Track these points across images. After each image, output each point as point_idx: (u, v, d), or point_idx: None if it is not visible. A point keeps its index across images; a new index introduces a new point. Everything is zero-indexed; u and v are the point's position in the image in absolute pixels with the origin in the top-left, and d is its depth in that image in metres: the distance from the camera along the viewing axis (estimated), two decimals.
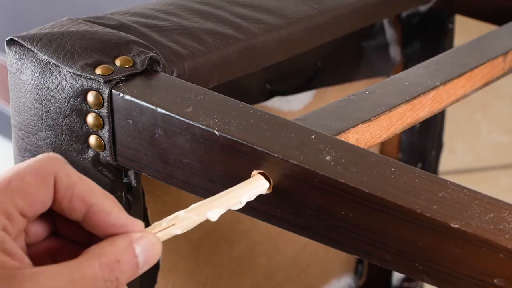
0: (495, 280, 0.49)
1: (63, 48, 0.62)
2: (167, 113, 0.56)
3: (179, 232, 0.51)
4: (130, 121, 0.57)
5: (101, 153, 0.60)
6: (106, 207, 0.50)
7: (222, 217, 0.53)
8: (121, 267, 0.50)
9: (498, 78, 0.76)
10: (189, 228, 0.51)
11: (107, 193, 0.51)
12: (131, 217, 0.51)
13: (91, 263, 0.49)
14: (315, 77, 0.88)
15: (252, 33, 0.71)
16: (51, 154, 0.50)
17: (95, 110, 0.60)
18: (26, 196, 0.49)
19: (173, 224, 0.51)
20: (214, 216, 0.52)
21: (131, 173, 0.63)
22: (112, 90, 0.59)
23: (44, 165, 0.50)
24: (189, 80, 0.64)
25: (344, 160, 0.53)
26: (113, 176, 0.62)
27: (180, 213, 0.51)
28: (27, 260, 0.49)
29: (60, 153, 0.61)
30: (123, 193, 0.63)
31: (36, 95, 0.62)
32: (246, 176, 0.54)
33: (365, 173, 0.52)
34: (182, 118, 0.56)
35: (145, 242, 0.50)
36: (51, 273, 0.48)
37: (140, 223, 0.51)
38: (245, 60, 0.70)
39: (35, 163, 0.50)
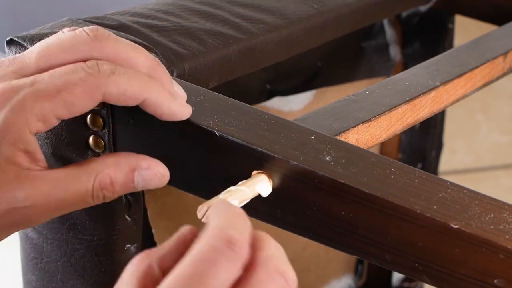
0: (495, 281, 0.49)
1: None
2: None
3: (236, 203, 0.51)
4: (131, 121, 0.57)
5: (101, 154, 0.60)
6: (158, 99, 0.54)
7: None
8: (113, 189, 0.55)
9: (498, 78, 0.76)
10: (245, 201, 0.52)
11: (160, 86, 0.54)
12: (180, 105, 0.55)
13: (87, 179, 0.54)
14: (315, 77, 0.88)
15: (252, 33, 0.71)
16: (101, 66, 0.53)
17: (95, 110, 0.60)
18: (69, 108, 0.53)
19: (230, 195, 0.51)
20: (262, 189, 0.53)
21: None
22: None
23: (96, 81, 0.52)
24: (189, 80, 0.64)
25: (344, 160, 0.53)
26: None
27: (232, 187, 0.52)
28: (43, 163, 0.54)
29: (60, 154, 0.61)
30: None
31: None
32: (246, 176, 0.54)
33: (365, 173, 0.52)
34: None
35: (148, 174, 0.55)
36: (50, 179, 0.53)
37: (187, 112, 0.55)
38: (245, 60, 0.70)
39: (87, 77, 0.52)
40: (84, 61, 0.54)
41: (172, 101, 0.55)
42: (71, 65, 0.53)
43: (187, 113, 0.55)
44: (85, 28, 0.55)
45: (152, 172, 0.55)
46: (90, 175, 0.54)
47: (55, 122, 0.53)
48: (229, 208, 0.45)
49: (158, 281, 0.43)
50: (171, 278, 0.42)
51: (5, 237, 0.55)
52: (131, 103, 0.54)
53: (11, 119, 0.52)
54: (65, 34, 0.55)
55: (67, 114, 0.53)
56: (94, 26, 0.55)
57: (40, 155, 0.54)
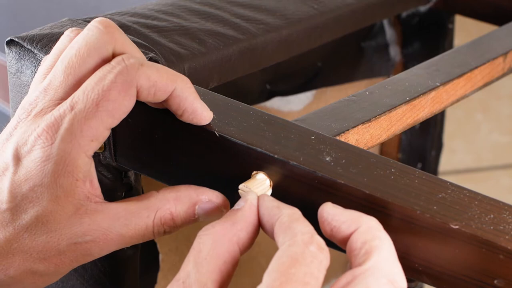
0: (495, 281, 0.49)
1: None
2: (167, 114, 0.56)
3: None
4: (130, 121, 0.57)
5: (101, 154, 0.60)
6: (184, 93, 0.53)
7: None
8: (174, 223, 0.54)
9: (498, 78, 0.76)
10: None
11: (186, 79, 0.54)
12: (203, 105, 0.54)
13: (147, 215, 0.53)
14: (315, 77, 0.88)
15: (252, 33, 0.71)
16: (127, 60, 0.52)
17: None
18: (114, 114, 0.52)
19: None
20: (262, 190, 0.53)
21: (131, 174, 0.63)
22: None
23: (127, 77, 0.52)
24: None
25: (344, 161, 0.53)
26: (113, 176, 0.62)
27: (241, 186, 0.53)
28: (99, 193, 0.54)
29: None
30: (123, 193, 0.63)
31: None
32: (246, 177, 0.54)
33: (365, 174, 0.52)
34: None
35: (209, 207, 0.54)
36: (110, 214, 0.53)
37: (209, 116, 0.54)
38: (245, 61, 0.70)
39: (117, 77, 0.52)
40: (106, 58, 0.54)
41: (197, 98, 0.54)
42: (97, 72, 0.53)
43: (208, 117, 0.54)
44: (93, 23, 0.54)
45: (213, 206, 0.54)
46: (151, 211, 0.54)
47: (107, 134, 0.53)
48: (301, 216, 0.49)
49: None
50: (271, 274, 0.45)
51: (67, 272, 0.55)
52: (160, 96, 0.53)
53: (64, 150, 0.52)
54: (77, 40, 0.54)
55: (114, 121, 0.52)
56: (100, 19, 0.54)
57: (97, 183, 0.54)
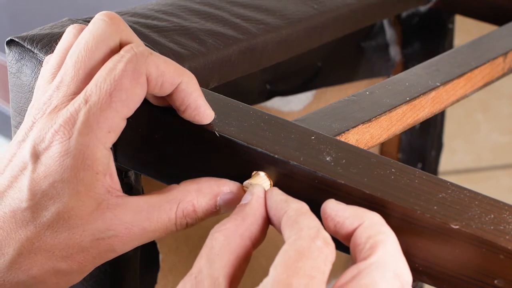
0: (495, 281, 0.49)
1: None
2: (167, 113, 0.56)
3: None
4: (131, 121, 0.57)
5: None
6: (190, 87, 0.53)
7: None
8: (196, 215, 0.54)
9: (498, 78, 0.76)
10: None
11: (192, 75, 0.54)
12: (206, 103, 0.54)
13: (169, 207, 0.53)
14: (315, 77, 0.88)
15: (252, 33, 0.71)
16: (137, 48, 0.53)
17: None
18: (128, 103, 0.52)
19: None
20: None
21: (131, 174, 0.63)
22: None
23: (136, 65, 0.52)
24: None
25: (344, 161, 0.53)
26: None
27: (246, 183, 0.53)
28: (119, 187, 0.53)
29: None
30: None
31: None
32: (246, 177, 0.54)
33: (365, 174, 0.52)
34: (181, 119, 0.56)
35: (231, 198, 0.54)
36: (131, 209, 0.53)
37: (211, 114, 0.54)
38: (245, 61, 0.70)
39: (126, 65, 0.52)
40: (114, 49, 0.54)
41: (201, 95, 0.54)
42: (107, 63, 0.53)
43: (210, 116, 0.54)
44: (97, 16, 0.54)
45: (234, 197, 0.54)
46: (173, 204, 0.53)
47: (123, 124, 0.53)
48: (309, 211, 0.50)
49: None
50: (277, 268, 0.46)
51: (90, 270, 0.54)
52: (166, 88, 0.53)
53: (82, 143, 0.52)
54: (84, 35, 0.54)
55: (129, 111, 0.52)
56: (104, 11, 0.54)
57: (116, 177, 0.53)
